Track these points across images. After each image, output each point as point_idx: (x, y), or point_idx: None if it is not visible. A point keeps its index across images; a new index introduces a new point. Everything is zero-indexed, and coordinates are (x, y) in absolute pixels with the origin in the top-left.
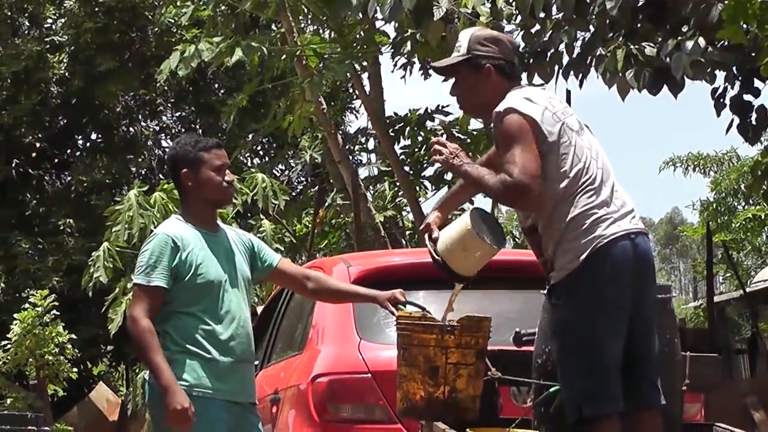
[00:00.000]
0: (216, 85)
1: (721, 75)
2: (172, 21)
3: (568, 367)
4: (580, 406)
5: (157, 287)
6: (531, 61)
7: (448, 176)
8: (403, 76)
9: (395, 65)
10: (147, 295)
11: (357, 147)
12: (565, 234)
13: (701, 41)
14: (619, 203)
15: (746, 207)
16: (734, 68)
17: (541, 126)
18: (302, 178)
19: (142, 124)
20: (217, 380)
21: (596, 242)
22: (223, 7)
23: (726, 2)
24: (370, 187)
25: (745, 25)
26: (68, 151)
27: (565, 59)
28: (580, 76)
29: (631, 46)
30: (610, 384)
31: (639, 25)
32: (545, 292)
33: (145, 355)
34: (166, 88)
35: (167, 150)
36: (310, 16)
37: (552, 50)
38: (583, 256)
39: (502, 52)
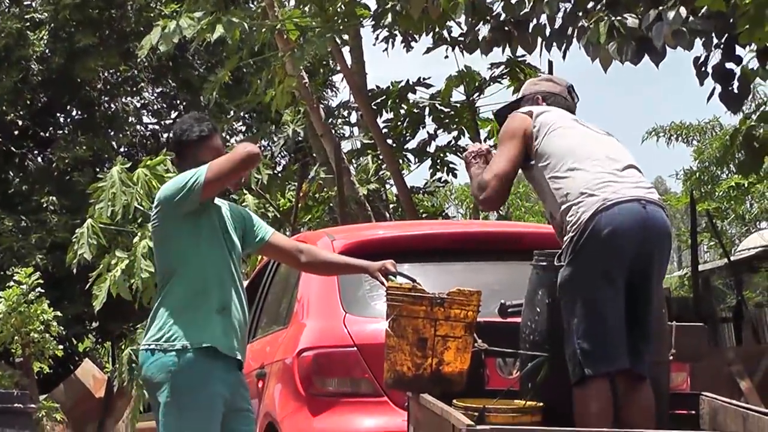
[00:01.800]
0: (197, 61)
1: (701, 44)
2: None
3: (569, 326)
4: (581, 365)
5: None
6: (514, 33)
7: (431, 149)
8: (386, 49)
9: (377, 38)
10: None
11: (339, 121)
12: (572, 196)
13: (683, 11)
14: (632, 178)
15: (730, 175)
16: (714, 36)
17: (538, 115)
18: (285, 153)
19: (123, 100)
20: (223, 335)
21: (600, 204)
22: None
23: None
24: (353, 161)
25: None
26: (50, 128)
27: (548, 31)
28: (563, 47)
29: (613, 18)
30: (608, 343)
31: None
32: (533, 261)
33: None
34: (146, 63)
35: (149, 126)
36: None
37: (534, 22)
38: (586, 216)
39: (553, 86)
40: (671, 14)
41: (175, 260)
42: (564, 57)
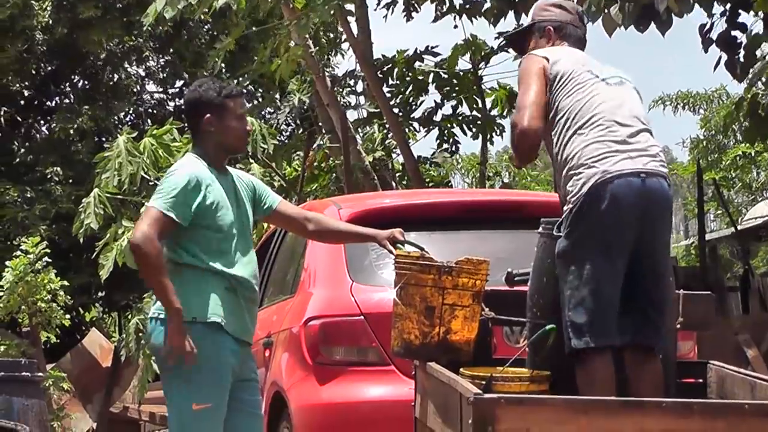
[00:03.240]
0: (204, 28)
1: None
2: None
3: (564, 297)
4: (576, 338)
5: (172, 219)
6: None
7: (437, 117)
8: (385, 16)
9: (378, 3)
10: (162, 222)
11: (346, 90)
12: (573, 166)
13: None
14: (637, 146)
15: (736, 144)
16: (721, 3)
17: (553, 63)
18: (290, 122)
19: (128, 69)
20: (230, 314)
21: (599, 177)
22: None
23: None
24: (359, 130)
25: None
26: (56, 98)
27: None
28: None
29: None
30: (600, 318)
31: None
32: (540, 229)
33: (154, 277)
34: (150, 32)
35: (155, 95)
36: None
37: None
38: (585, 189)
39: (563, 14)
40: None
41: (182, 238)
42: None
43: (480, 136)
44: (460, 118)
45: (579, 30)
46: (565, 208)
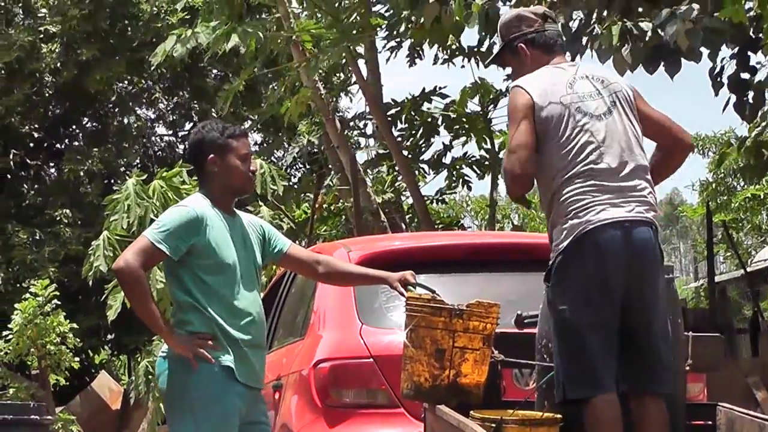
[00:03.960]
0: (213, 71)
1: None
2: (164, 7)
3: (555, 348)
4: (563, 388)
5: (161, 251)
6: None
7: (447, 159)
8: (388, 59)
9: (384, 47)
10: (150, 252)
11: (355, 132)
12: (559, 216)
13: (695, 5)
14: (625, 189)
15: (746, 187)
16: (731, 47)
17: (537, 100)
18: (299, 164)
19: (137, 112)
20: (237, 362)
21: (583, 227)
22: None
23: None
24: (369, 171)
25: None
26: (66, 140)
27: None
28: (576, 54)
29: (627, 22)
30: (591, 368)
31: (633, 6)
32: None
33: (139, 303)
34: (160, 72)
35: (165, 138)
36: (304, 3)
37: None
38: (570, 240)
39: (527, 25)
40: (683, 7)
41: (184, 278)
42: (573, 57)
43: (488, 175)
44: (471, 160)
45: (548, 32)
46: (551, 256)
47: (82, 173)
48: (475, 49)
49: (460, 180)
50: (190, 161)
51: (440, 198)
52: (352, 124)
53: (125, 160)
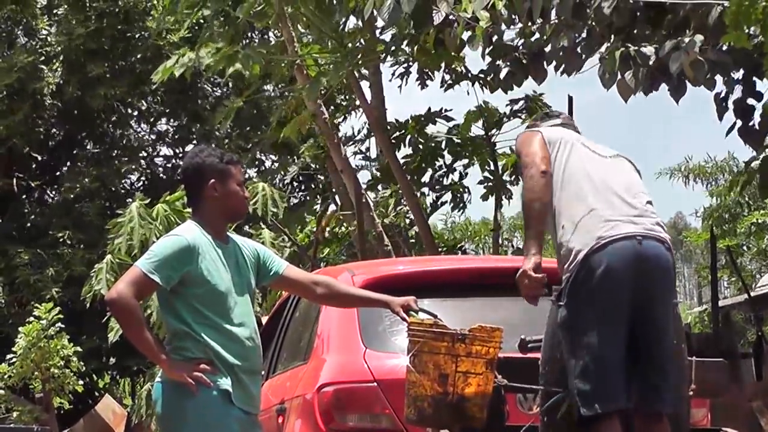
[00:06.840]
0: (209, 95)
1: (720, 80)
2: (168, 27)
3: (570, 366)
4: (579, 405)
5: (153, 281)
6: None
7: (446, 181)
8: (400, 86)
9: (393, 74)
10: (142, 283)
11: (359, 156)
12: (568, 235)
13: (699, 37)
14: (635, 210)
15: (750, 213)
16: (735, 71)
17: (549, 135)
18: (296, 183)
19: (138, 131)
20: (234, 387)
21: (594, 244)
22: (221, 19)
23: (727, 6)
24: (371, 192)
25: (747, 29)
26: (68, 162)
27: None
28: (575, 72)
29: (630, 47)
30: (605, 384)
31: (636, 30)
32: (553, 297)
33: (133, 333)
34: (161, 93)
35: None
36: (309, 27)
37: (550, 52)
38: (580, 257)
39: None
40: (687, 39)
41: (179, 306)
42: (569, 74)
43: (491, 196)
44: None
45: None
46: (563, 277)
47: (80, 192)
48: (481, 75)
49: (461, 204)
50: (187, 186)
51: (439, 210)
52: (351, 143)
53: (126, 180)
